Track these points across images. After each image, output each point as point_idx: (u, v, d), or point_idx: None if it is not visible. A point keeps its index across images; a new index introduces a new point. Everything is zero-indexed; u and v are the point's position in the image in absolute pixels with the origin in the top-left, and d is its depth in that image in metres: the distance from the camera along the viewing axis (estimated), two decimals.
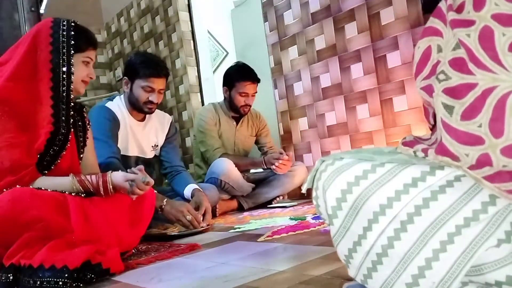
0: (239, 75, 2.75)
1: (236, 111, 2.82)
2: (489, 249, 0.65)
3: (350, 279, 0.89)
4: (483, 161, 0.60)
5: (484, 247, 0.64)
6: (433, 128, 0.78)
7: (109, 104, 2.19)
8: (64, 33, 1.50)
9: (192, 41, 3.68)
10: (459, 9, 0.66)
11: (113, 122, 2.15)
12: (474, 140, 0.61)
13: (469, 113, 0.61)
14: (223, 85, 2.84)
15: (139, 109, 2.23)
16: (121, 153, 2.18)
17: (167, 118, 2.44)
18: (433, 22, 0.73)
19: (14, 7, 2.24)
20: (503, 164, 0.59)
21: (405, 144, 0.76)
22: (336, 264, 1.08)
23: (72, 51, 1.50)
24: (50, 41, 1.48)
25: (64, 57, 1.49)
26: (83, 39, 1.55)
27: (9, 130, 1.39)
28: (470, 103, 0.62)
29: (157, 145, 2.39)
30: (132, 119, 2.26)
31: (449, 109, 0.64)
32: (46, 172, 1.48)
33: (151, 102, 2.18)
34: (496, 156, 0.59)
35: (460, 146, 0.63)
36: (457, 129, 0.63)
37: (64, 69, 1.49)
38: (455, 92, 0.64)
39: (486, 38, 0.61)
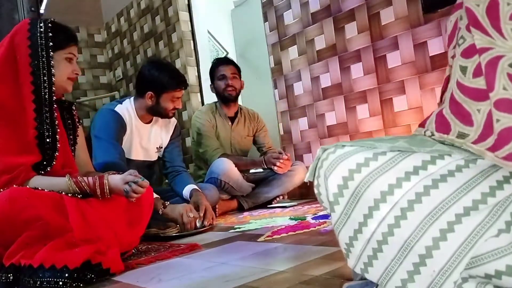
0: (213, 65, 2.94)
1: (224, 99, 2.86)
2: (489, 238, 0.65)
3: (350, 279, 0.89)
4: (491, 120, 0.64)
5: (484, 237, 0.65)
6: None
7: (118, 108, 2.21)
8: (42, 35, 1.48)
9: (192, 41, 3.68)
10: None
11: (120, 127, 2.17)
12: (483, 95, 0.66)
13: (479, 70, 0.67)
14: (210, 84, 2.97)
15: (162, 116, 2.30)
16: (126, 156, 2.21)
17: (172, 120, 2.46)
18: None
19: (14, 7, 2.24)
20: (497, 118, 0.63)
21: (420, 125, 0.79)
22: (336, 264, 1.08)
23: (51, 52, 1.49)
24: (28, 44, 1.46)
25: (43, 59, 1.47)
26: (62, 37, 1.54)
27: (1, 135, 1.39)
28: (479, 60, 0.67)
29: (161, 147, 2.42)
30: (139, 122, 2.28)
31: (463, 70, 0.69)
32: (42, 172, 1.48)
33: (176, 108, 2.28)
34: (492, 109, 0.64)
35: (473, 102, 0.67)
36: (470, 87, 0.68)
37: (45, 71, 1.47)
38: (468, 52, 0.69)
39: (493, 9, 0.67)
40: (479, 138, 0.66)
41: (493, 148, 0.64)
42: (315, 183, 0.78)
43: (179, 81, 2.22)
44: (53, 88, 1.50)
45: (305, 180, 0.80)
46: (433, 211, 0.66)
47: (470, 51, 0.69)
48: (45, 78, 1.48)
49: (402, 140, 0.73)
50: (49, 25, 1.51)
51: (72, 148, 1.65)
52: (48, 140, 1.49)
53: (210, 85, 2.95)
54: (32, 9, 2.26)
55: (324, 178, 0.74)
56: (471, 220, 0.65)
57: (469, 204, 0.65)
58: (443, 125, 0.71)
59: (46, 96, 1.48)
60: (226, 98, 2.85)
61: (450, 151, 0.70)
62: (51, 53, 1.49)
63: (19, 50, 1.46)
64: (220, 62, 2.92)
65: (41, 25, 1.50)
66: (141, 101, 2.24)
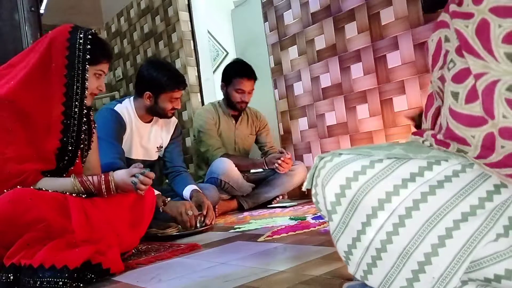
0: (235, 72, 2.76)
1: (233, 107, 2.83)
2: (488, 243, 0.65)
3: (350, 279, 0.89)
4: (488, 143, 0.63)
5: (483, 242, 0.65)
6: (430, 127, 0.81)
7: (117, 107, 2.21)
8: (81, 46, 1.45)
9: (192, 41, 3.68)
10: (460, 2, 0.69)
11: (120, 126, 2.17)
12: (478, 121, 0.64)
13: (472, 96, 0.64)
14: (221, 81, 2.85)
15: (161, 116, 2.30)
16: (126, 155, 2.21)
17: (173, 120, 2.45)
18: (443, 16, 0.76)
19: (14, 7, 2.24)
20: (502, 144, 0.62)
21: (414, 133, 0.78)
22: (336, 264, 1.08)
23: (87, 66, 1.47)
24: (66, 55, 1.44)
25: (79, 71, 1.45)
26: (99, 52, 1.51)
27: (19, 141, 1.38)
28: (472, 85, 0.65)
29: (162, 146, 2.42)
30: (139, 121, 2.28)
31: (455, 96, 0.67)
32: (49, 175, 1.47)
33: (175, 108, 2.27)
34: (496, 135, 0.62)
35: (466, 129, 0.65)
36: (462, 113, 0.66)
37: (78, 84, 1.46)
38: (459, 77, 0.67)
39: (483, 30, 0.64)
40: (479, 156, 0.65)
41: (495, 165, 0.63)
42: (313, 191, 0.78)
43: (177, 82, 2.21)
44: (85, 101, 1.49)
45: (303, 189, 0.80)
46: (431, 217, 0.66)
47: (461, 76, 0.67)
48: (78, 91, 1.46)
49: (398, 147, 0.73)
50: (89, 37, 1.48)
51: (85, 153, 1.63)
52: (69, 154, 1.48)
53: (222, 84, 2.83)
54: (32, 9, 2.26)
55: (322, 186, 0.74)
56: (469, 225, 0.65)
57: (467, 210, 0.65)
58: (441, 143, 0.71)
59: (76, 110, 1.47)
60: (236, 109, 2.82)
61: (447, 156, 0.69)
62: (87, 66, 1.47)
63: (56, 59, 1.44)
64: (245, 75, 2.73)
65: (81, 35, 1.47)
66: (140, 101, 2.24)
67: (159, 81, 2.18)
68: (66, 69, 1.45)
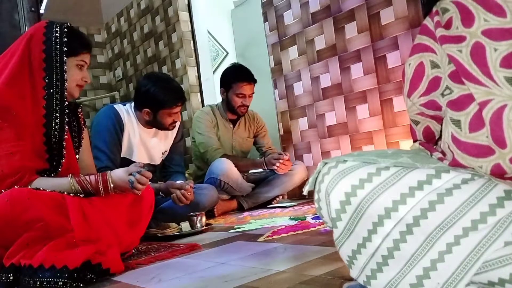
0: (235, 76, 2.76)
1: (233, 111, 2.82)
2: (495, 251, 0.64)
3: (350, 279, 0.89)
4: (497, 172, 0.61)
5: (491, 249, 0.64)
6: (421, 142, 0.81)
7: (117, 106, 2.22)
8: (57, 39, 1.47)
9: (192, 41, 3.68)
10: (447, 25, 0.67)
11: (116, 124, 2.16)
12: (485, 152, 0.62)
13: (476, 124, 0.62)
14: (220, 86, 2.85)
15: (162, 129, 2.29)
16: (127, 157, 2.22)
17: (177, 124, 2.44)
18: (421, 39, 0.74)
19: (14, 7, 2.24)
20: None
21: (422, 144, 0.77)
22: (336, 264, 1.08)
23: (65, 57, 1.48)
24: (43, 49, 1.46)
25: (57, 64, 1.46)
26: (77, 43, 1.53)
27: (9, 138, 1.38)
28: (474, 113, 0.63)
29: (166, 151, 2.41)
30: (141, 127, 2.27)
31: (457, 123, 0.65)
32: (45, 175, 1.47)
33: (175, 121, 2.25)
34: (506, 165, 0.60)
35: (472, 159, 0.64)
36: (467, 142, 0.64)
37: (58, 76, 1.46)
38: (457, 104, 0.65)
39: (478, 54, 0.62)
40: (491, 174, 0.64)
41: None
42: (316, 197, 0.76)
43: (175, 98, 2.18)
44: (65, 93, 1.49)
45: (304, 193, 0.79)
46: (440, 225, 0.65)
47: (460, 103, 0.65)
48: (57, 83, 1.47)
49: (406, 156, 0.71)
50: (65, 30, 1.49)
51: (76, 150, 1.64)
52: (54, 146, 1.48)
53: (222, 90, 2.83)
54: (32, 9, 2.26)
55: (326, 193, 0.73)
56: (478, 233, 0.64)
57: (477, 217, 0.64)
58: (451, 163, 0.69)
59: (58, 102, 1.47)
60: (237, 113, 2.81)
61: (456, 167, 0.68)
62: (65, 58, 1.48)
63: (34, 54, 1.45)
64: (245, 79, 2.73)
65: (56, 29, 1.48)
66: (139, 114, 2.24)
67: (157, 98, 2.15)
68: (44, 63, 1.46)
